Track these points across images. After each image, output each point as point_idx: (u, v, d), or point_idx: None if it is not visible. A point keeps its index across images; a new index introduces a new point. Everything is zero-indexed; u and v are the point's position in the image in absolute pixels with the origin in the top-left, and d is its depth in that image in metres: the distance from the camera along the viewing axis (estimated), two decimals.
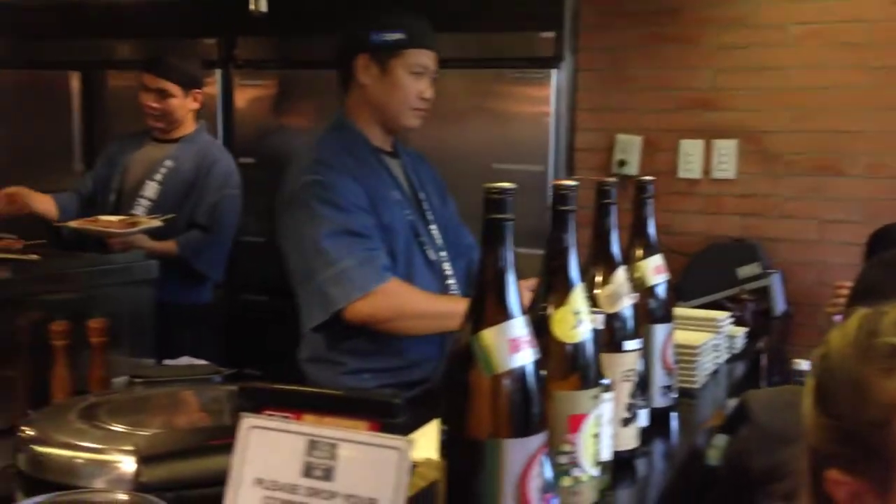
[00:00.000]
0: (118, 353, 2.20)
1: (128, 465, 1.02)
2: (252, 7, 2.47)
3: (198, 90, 3.06)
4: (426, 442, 0.99)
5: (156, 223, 2.75)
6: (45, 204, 3.02)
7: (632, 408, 1.45)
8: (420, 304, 2.01)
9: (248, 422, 0.78)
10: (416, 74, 2.10)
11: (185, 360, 2.59)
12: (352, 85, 2.14)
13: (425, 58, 2.11)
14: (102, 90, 3.86)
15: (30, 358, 2.08)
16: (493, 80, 3.29)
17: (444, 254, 2.21)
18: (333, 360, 2.11)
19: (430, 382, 2.11)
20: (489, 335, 0.96)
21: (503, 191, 0.98)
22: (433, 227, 2.21)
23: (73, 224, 2.66)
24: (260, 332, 3.71)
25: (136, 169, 3.05)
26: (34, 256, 2.46)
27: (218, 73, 3.67)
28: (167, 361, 2.48)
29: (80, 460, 1.05)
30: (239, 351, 3.71)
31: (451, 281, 2.21)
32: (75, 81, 3.85)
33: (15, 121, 4.05)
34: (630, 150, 3.40)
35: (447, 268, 2.20)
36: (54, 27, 3.85)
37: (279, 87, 3.65)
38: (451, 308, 1.94)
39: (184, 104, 3.03)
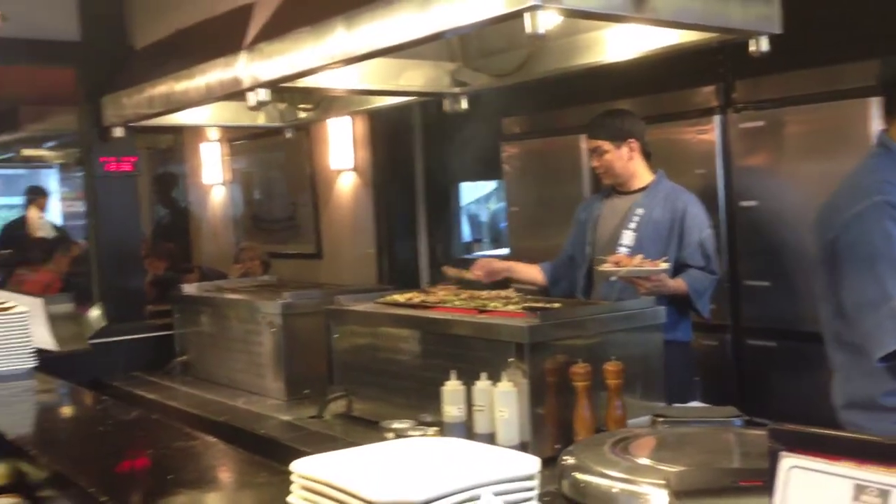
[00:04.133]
0: (630, 394, 2.32)
1: (660, 498, 1.07)
2: (753, 48, 2.46)
3: (631, 140, 3.14)
4: None
5: (665, 265, 2.84)
6: (530, 272, 3.40)
7: None
8: None
9: (788, 461, 0.77)
10: None
11: (694, 405, 2.62)
12: None
13: None
14: None
15: (555, 397, 2.29)
16: None
17: None
18: (886, 405, 1.90)
19: None
20: None
21: None
22: None
23: (622, 273, 2.86)
24: (765, 379, 3.57)
25: (609, 221, 3.22)
26: (557, 305, 2.73)
27: (716, 119, 3.69)
28: (676, 405, 2.52)
29: (615, 490, 1.13)
30: (747, 396, 3.62)
31: None
32: (583, 144, 4.20)
33: (535, 183, 4.55)
34: None
35: None
36: (564, 98, 4.26)
37: (777, 127, 3.53)
38: None
39: (619, 156, 3.15)
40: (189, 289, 4.05)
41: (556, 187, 4.40)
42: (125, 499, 1.58)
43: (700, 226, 3.08)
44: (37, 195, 9.17)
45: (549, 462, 1.27)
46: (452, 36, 2.80)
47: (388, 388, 2.74)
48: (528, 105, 4.58)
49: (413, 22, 2.43)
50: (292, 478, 1.28)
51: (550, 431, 2.29)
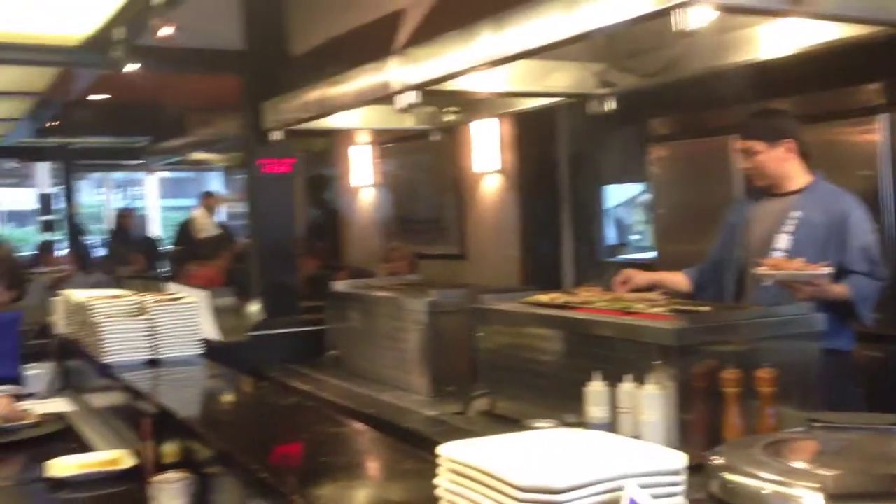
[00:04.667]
0: (784, 403, 2.23)
1: (814, 501, 1.04)
2: None
3: (786, 140, 3.00)
4: None
5: (827, 270, 2.72)
6: (676, 281, 3.28)
7: None
8: None
9: None
10: None
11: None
12: None
13: None
14: None
15: (704, 403, 2.24)
16: None
17: None
18: None
19: None
20: None
21: None
22: None
23: (781, 276, 2.78)
24: None
25: (761, 223, 3.10)
26: (706, 308, 2.66)
27: (882, 118, 3.49)
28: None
29: (766, 491, 1.10)
30: None
31: None
32: (734, 145, 4.07)
33: (682, 186, 4.46)
34: None
35: None
36: (714, 97, 4.13)
37: None
38: None
39: (772, 157, 3.02)
40: (340, 286, 4.21)
41: (705, 190, 4.29)
42: (283, 477, 1.68)
43: (864, 229, 2.94)
44: (209, 197, 9.88)
45: (697, 470, 1.25)
46: (600, 36, 2.79)
47: (531, 387, 2.76)
48: (675, 105, 4.49)
49: (560, 22, 2.44)
50: (439, 461, 1.33)
51: (698, 438, 2.24)
